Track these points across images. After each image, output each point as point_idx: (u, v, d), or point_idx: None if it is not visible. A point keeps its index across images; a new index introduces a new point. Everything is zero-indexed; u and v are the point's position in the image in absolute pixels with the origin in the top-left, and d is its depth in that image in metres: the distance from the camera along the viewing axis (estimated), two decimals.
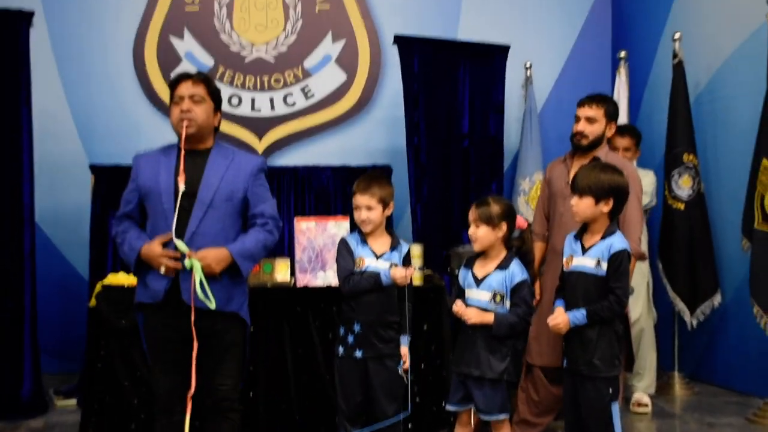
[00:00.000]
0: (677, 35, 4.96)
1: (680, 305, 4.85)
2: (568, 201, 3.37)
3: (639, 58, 5.71)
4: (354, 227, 3.32)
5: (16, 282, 4.37)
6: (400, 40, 5.04)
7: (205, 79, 3.04)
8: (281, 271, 4.21)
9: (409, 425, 3.82)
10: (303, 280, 4.10)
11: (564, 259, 3.12)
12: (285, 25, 5.87)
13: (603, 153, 3.73)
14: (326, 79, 5.90)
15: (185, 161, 2.92)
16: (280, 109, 5.87)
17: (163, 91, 5.62)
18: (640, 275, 4.59)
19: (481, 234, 3.10)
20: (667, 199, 4.91)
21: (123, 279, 4.05)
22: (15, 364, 4.35)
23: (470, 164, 5.12)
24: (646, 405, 4.51)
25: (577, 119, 3.77)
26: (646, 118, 5.71)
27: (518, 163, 5.69)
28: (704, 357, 5.17)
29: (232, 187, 2.97)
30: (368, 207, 3.17)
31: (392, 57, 5.46)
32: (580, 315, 2.96)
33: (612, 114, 3.77)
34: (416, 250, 4.16)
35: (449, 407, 3.21)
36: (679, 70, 4.96)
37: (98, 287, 4.04)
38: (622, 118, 4.95)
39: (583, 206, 3.02)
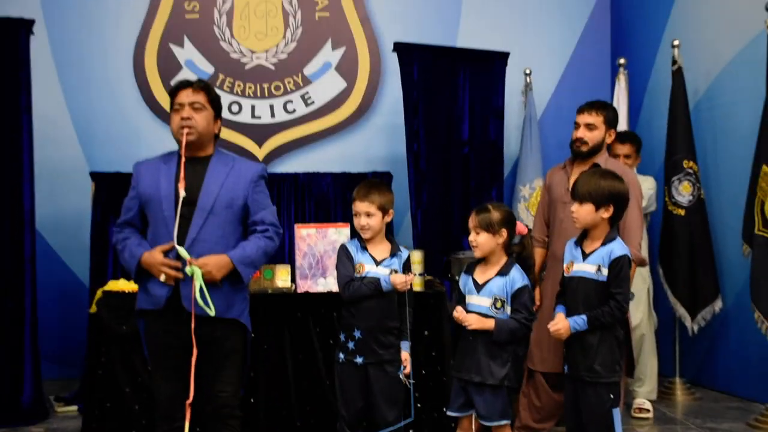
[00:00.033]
0: (676, 42, 4.98)
1: (681, 311, 4.85)
2: (568, 207, 3.38)
3: (638, 65, 5.72)
4: (354, 234, 3.33)
5: (17, 288, 4.37)
6: (399, 47, 5.06)
7: (205, 86, 3.05)
8: (282, 278, 4.22)
9: (410, 431, 3.81)
10: (303, 286, 4.11)
11: (564, 265, 3.13)
12: (285, 33, 5.89)
13: (602, 159, 3.74)
14: (326, 86, 5.91)
15: (185, 169, 2.93)
16: (280, 117, 5.88)
17: (163, 98, 5.63)
18: (641, 281, 4.60)
19: (481, 241, 3.10)
20: (668, 205, 4.92)
21: (123, 285, 4.06)
22: (15, 370, 4.35)
23: (470, 170, 5.13)
24: (648, 410, 4.51)
25: (577, 126, 3.78)
26: (645, 124, 5.72)
27: (518, 169, 5.70)
28: (705, 362, 5.16)
29: (232, 194, 2.98)
30: (367, 213, 3.17)
31: (392, 64, 5.47)
32: (580, 321, 2.96)
33: (611, 121, 3.78)
34: (417, 256, 4.17)
35: (450, 413, 3.20)
36: (678, 76, 4.97)
37: (99, 293, 4.05)
38: (622, 125, 4.96)
39: (584, 213, 3.03)
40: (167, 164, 3.02)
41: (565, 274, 3.12)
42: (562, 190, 3.77)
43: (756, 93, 4.45)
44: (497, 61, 5.22)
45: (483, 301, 3.09)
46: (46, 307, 4.95)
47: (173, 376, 2.93)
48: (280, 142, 5.87)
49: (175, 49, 5.77)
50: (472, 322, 3.05)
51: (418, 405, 3.81)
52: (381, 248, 3.24)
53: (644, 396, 4.62)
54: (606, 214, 3.01)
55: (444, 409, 3.54)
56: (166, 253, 2.88)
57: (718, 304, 4.85)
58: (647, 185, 4.71)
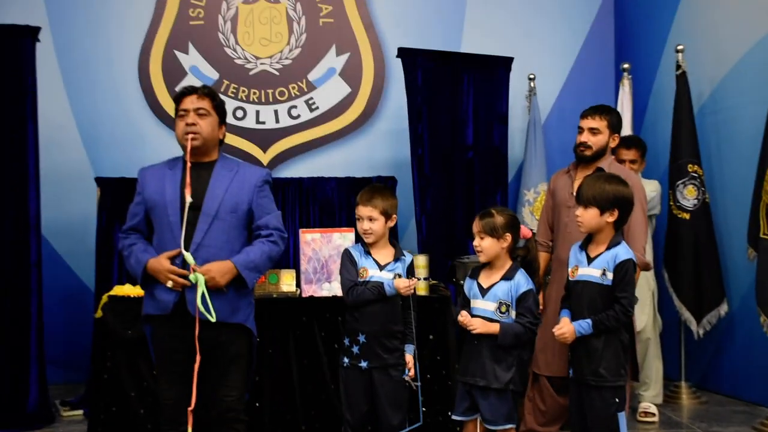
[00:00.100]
0: (680, 46, 4.98)
1: (686, 315, 4.84)
2: (572, 211, 3.38)
3: (642, 69, 5.73)
4: (358, 238, 3.34)
5: (22, 292, 4.39)
6: (403, 53, 5.06)
7: (209, 92, 3.07)
8: (287, 282, 4.23)
9: None
10: (308, 290, 4.12)
11: (569, 269, 3.13)
12: (289, 39, 5.91)
13: (606, 164, 3.74)
14: (330, 91, 5.92)
15: (190, 174, 2.94)
16: (285, 122, 5.89)
17: (167, 104, 5.64)
18: (646, 285, 4.59)
19: (485, 245, 3.11)
20: (672, 209, 4.91)
21: (129, 290, 4.07)
22: (21, 375, 4.36)
23: (474, 175, 5.13)
24: (653, 414, 4.50)
25: (581, 130, 3.78)
26: (650, 129, 5.72)
27: (522, 174, 5.70)
28: (711, 366, 5.15)
29: (236, 199, 3.00)
30: (370, 218, 3.19)
31: (396, 69, 5.48)
32: (585, 324, 2.96)
33: (615, 125, 3.79)
34: (421, 261, 4.18)
35: (455, 417, 3.20)
36: (682, 80, 4.97)
37: (104, 298, 4.07)
38: (626, 130, 4.96)
39: (588, 217, 3.03)
40: (172, 170, 3.04)
41: (570, 278, 3.12)
42: (566, 194, 3.77)
43: (760, 97, 4.45)
44: (501, 66, 5.23)
45: (488, 305, 3.09)
46: (52, 311, 4.97)
47: (179, 381, 2.94)
48: (284, 148, 5.89)
49: (179, 55, 5.79)
50: (477, 326, 3.05)
51: (423, 409, 3.81)
52: (384, 253, 3.24)
53: (650, 400, 4.61)
54: (611, 218, 3.01)
55: (449, 413, 3.54)
56: (172, 260, 2.89)
57: (723, 308, 4.84)
58: (650, 188, 4.70)
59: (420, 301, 3.44)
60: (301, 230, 4.21)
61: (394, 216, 3.25)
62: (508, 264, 3.14)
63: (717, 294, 4.84)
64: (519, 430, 3.38)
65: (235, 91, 5.83)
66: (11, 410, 4.30)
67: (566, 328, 3.00)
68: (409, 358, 3.22)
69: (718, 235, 4.93)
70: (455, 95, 5.12)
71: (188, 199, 2.89)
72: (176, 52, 5.79)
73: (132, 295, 4.00)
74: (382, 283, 3.14)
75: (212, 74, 5.81)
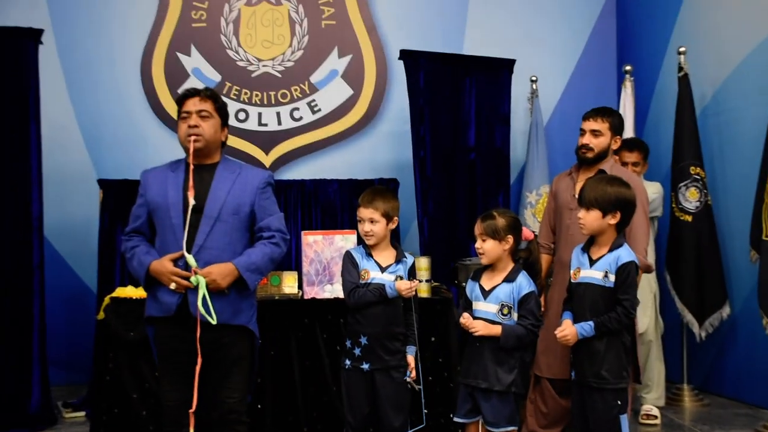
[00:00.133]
0: (682, 48, 4.98)
1: (689, 317, 4.84)
2: (574, 213, 3.38)
3: (644, 71, 5.72)
4: (360, 240, 3.34)
5: (25, 294, 4.39)
6: (405, 55, 5.07)
7: (212, 95, 3.07)
8: (289, 284, 4.23)
9: None
10: (310, 292, 4.12)
11: (571, 271, 3.13)
12: (291, 41, 5.91)
13: (608, 166, 3.74)
14: (333, 93, 5.93)
15: (193, 176, 2.94)
16: (287, 124, 5.90)
17: (170, 106, 5.65)
18: (648, 287, 4.59)
19: (487, 248, 3.11)
20: (675, 212, 4.91)
21: (131, 292, 4.08)
22: (23, 376, 4.36)
23: (476, 177, 5.13)
24: (656, 417, 4.50)
25: (583, 132, 3.78)
26: (652, 131, 5.72)
27: (525, 176, 5.70)
28: (713, 369, 5.15)
29: (238, 201, 3.00)
30: (371, 220, 3.19)
31: (398, 71, 5.49)
32: (587, 327, 2.96)
33: (617, 127, 3.79)
34: (423, 263, 4.18)
35: (457, 419, 3.20)
36: (684, 83, 4.96)
37: (107, 300, 4.07)
38: (628, 132, 4.96)
39: (591, 219, 3.03)
40: (174, 172, 3.04)
41: (572, 281, 3.12)
42: (568, 196, 3.77)
43: (762, 99, 4.45)
44: (503, 68, 5.23)
45: (490, 307, 3.09)
46: (54, 313, 4.97)
47: (181, 382, 2.94)
48: (286, 150, 5.89)
49: (182, 57, 5.80)
50: (479, 328, 3.05)
51: (425, 411, 3.81)
52: (386, 255, 3.25)
53: (652, 402, 4.60)
54: (613, 220, 3.01)
55: (451, 416, 3.54)
56: (175, 262, 2.89)
57: (725, 311, 4.84)
58: (652, 190, 4.69)
59: (422, 303, 3.44)
60: (303, 232, 4.22)
61: (396, 218, 3.26)
62: (510, 266, 3.14)
63: (719, 296, 4.84)
64: None
65: (237, 93, 5.84)
66: (14, 411, 4.30)
67: (568, 330, 3.00)
68: (410, 359, 3.22)
69: (721, 237, 4.93)
70: (457, 97, 5.12)
71: (191, 201, 2.90)
72: (179, 54, 5.80)
73: (134, 297, 4.01)
74: (384, 285, 3.14)
75: (214, 76, 5.82)
